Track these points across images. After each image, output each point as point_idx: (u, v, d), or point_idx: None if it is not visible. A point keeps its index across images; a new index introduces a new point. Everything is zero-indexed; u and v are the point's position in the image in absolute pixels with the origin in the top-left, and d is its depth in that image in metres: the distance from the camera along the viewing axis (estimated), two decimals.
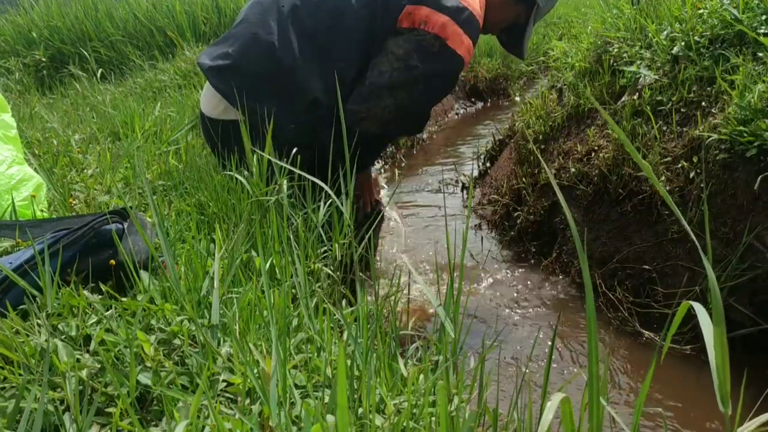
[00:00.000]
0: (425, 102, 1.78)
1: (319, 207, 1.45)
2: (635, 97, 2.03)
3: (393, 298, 1.26)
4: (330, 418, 0.79)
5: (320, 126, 1.70)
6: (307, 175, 1.31)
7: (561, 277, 2.23)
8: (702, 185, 1.73)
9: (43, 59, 5.04)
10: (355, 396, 0.90)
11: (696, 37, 1.93)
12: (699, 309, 0.50)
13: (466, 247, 0.86)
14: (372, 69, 1.69)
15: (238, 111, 1.66)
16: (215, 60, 1.74)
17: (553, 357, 0.70)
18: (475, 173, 3.30)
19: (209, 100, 1.79)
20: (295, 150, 1.53)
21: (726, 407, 0.48)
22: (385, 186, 2.22)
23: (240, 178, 1.49)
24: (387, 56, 1.67)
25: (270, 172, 1.49)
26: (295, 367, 1.00)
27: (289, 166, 1.27)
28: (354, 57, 1.70)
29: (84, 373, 0.85)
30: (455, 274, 1.05)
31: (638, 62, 2.08)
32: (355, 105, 1.69)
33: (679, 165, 1.81)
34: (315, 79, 1.68)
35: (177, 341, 0.97)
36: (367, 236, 1.38)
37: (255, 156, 1.50)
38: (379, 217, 1.92)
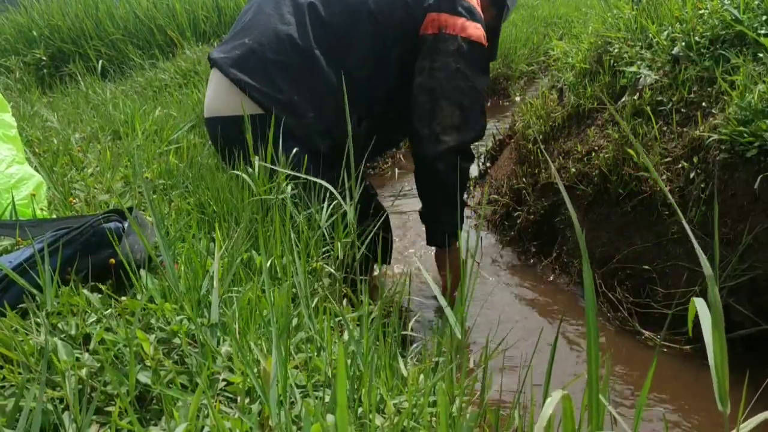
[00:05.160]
0: (477, 95, 1.83)
1: (323, 207, 1.45)
2: (635, 98, 2.03)
3: (395, 298, 1.26)
4: (330, 417, 0.79)
5: (339, 114, 1.68)
6: (311, 178, 1.32)
7: (561, 277, 2.23)
8: (702, 185, 1.73)
9: (44, 58, 5.04)
10: (356, 395, 0.90)
11: (696, 38, 1.93)
12: (700, 305, 0.50)
13: (461, 246, 0.86)
14: (415, 90, 1.80)
15: (253, 102, 1.65)
16: (231, 52, 1.73)
17: (554, 357, 0.70)
18: (475, 173, 3.30)
19: (221, 99, 1.75)
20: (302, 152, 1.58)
21: (724, 406, 0.48)
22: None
23: (244, 176, 1.48)
24: (424, 73, 1.77)
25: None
26: (295, 366, 1.00)
27: (287, 171, 1.27)
28: (365, 54, 1.76)
29: (83, 372, 0.85)
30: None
31: (639, 62, 2.08)
32: (420, 129, 1.80)
33: (680, 165, 1.81)
34: (331, 70, 1.72)
35: (176, 340, 0.97)
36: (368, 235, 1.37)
37: (265, 152, 1.50)
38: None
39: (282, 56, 1.69)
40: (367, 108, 1.78)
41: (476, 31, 1.77)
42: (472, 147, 1.89)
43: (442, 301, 0.88)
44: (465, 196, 1.96)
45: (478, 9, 1.82)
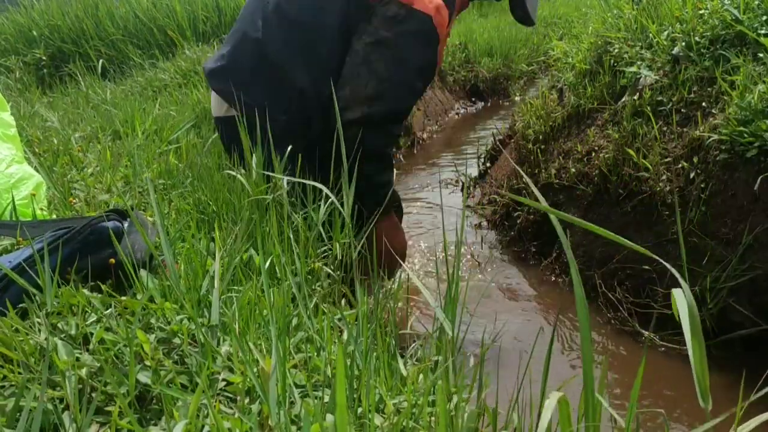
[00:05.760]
0: (404, 69, 1.68)
1: (319, 206, 1.45)
2: (636, 98, 2.03)
3: (393, 297, 1.26)
4: (329, 417, 0.79)
5: (312, 116, 1.72)
6: (302, 180, 1.32)
7: (561, 277, 2.23)
8: (702, 185, 1.73)
9: (44, 58, 5.04)
10: (355, 395, 0.90)
11: (696, 38, 1.93)
12: (678, 296, 0.50)
13: (462, 246, 0.86)
14: (348, 56, 1.69)
15: (235, 108, 1.70)
16: (215, 63, 1.81)
17: (553, 357, 0.70)
18: (475, 173, 3.30)
19: (214, 102, 1.87)
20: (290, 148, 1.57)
21: (706, 403, 0.48)
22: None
23: (239, 176, 1.49)
24: (359, 39, 1.67)
25: (269, 167, 1.52)
26: (294, 366, 1.00)
27: (275, 176, 1.28)
28: (336, 46, 1.71)
29: (83, 372, 0.85)
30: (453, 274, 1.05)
31: (639, 62, 2.08)
32: (338, 92, 1.64)
33: (680, 165, 1.81)
34: (300, 70, 1.71)
35: (176, 340, 0.97)
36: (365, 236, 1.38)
37: (254, 152, 1.52)
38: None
39: (253, 62, 1.74)
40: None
41: (426, 1, 1.62)
42: (389, 123, 1.68)
43: (432, 301, 0.88)
44: (382, 174, 1.73)
45: None
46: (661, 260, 0.52)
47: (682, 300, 0.50)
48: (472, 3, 1.98)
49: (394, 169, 1.79)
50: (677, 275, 0.48)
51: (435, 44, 1.67)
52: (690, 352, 0.48)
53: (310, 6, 1.72)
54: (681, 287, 0.46)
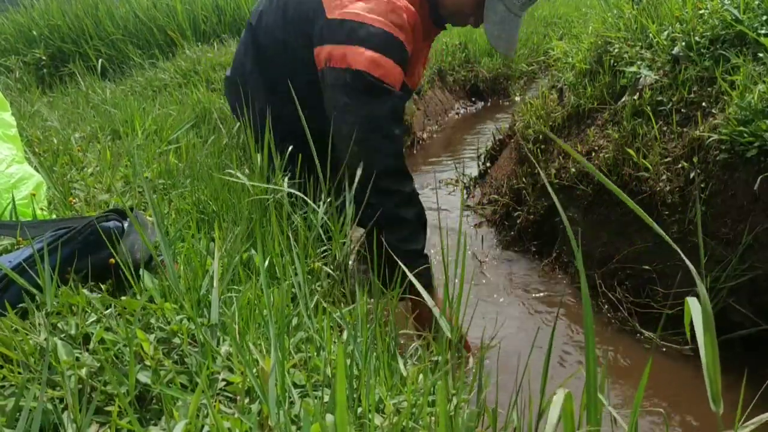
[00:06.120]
0: (373, 126, 1.61)
1: (318, 206, 1.45)
2: (635, 98, 2.03)
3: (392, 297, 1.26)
4: (329, 417, 0.79)
5: (275, 133, 1.68)
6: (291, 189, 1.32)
7: (561, 277, 2.23)
8: (702, 185, 1.73)
9: (44, 58, 5.04)
10: (355, 395, 0.90)
11: (696, 38, 1.93)
12: (693, 304, 0.50)
13: (465, 248, 0.86)
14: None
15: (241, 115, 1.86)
16: (228, 75, 2.03)
17: (552, 357, 0.70)
18: (475, 173, 3.30)
19: None
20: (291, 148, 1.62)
21: (717, 406, 0.48)
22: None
23: (240, 176, 1.49)
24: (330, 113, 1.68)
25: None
26: (294, 366, 1.00)
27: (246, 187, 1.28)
28: (288, 75, 1.74)
29: (83, 372, 0.85)
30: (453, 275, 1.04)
31: (639, 62, 2.08)
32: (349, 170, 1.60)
33: (680, 165, 1.81)
34: (261, 91, 1.86)
35: (176, 340, 0.97)
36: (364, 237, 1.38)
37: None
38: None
39: (241, 79, 1.91)
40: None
41: (358, 57, 1.57)
42: (393, 179, 1.62)
43: (430, 302, 0.88)
44: (405, 242, 1.63)
45: (376, 21, 1.58)
46: (685, 258, 0.52)
47: (696, 306, 0.50)
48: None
49: (424, 237, 1.69)
50: (695, 273, 0.48)
51: (385, 93, 1.61)
52: (703, 357, 0.48)
53: (271, 37, 1.83)
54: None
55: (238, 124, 2.34)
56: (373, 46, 1.57)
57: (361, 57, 1.57)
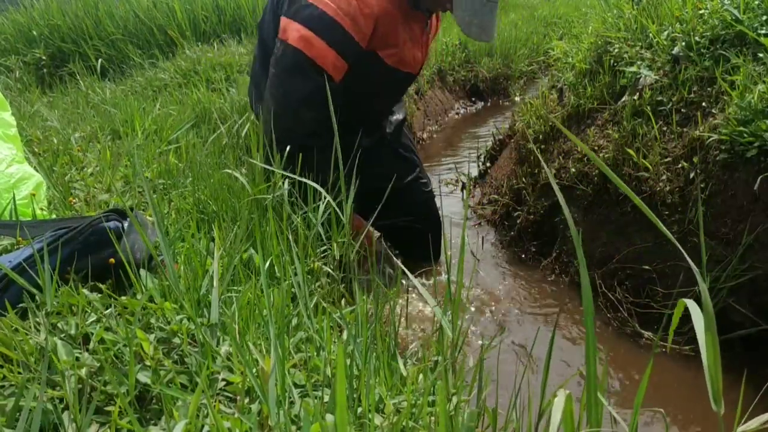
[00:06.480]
0: (286, 101, 1.72)
1: (318, 206, 1.45)
2: (635, 98, 2.03)
3: (392, 297, 1.26)
4: (329, 417, 0.79)
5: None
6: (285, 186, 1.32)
7: (561, 277, 2.23)
8: (702, 185, 1.73)
9: (44, 57, 5.03)
10: (355, 395, 0.90)
11: (696, 38, 1.93)
12: (693, 307, 0.50)
13: (465, 247, 0.86)
14: None
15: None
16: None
17: (552, 357, 0.70)
18: (475, 173, 3.30)
19: None
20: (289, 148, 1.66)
21: (718, 407, 0.48)
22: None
23: (239, 176, 1.49)
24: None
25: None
26: (294, 366, 1.00)
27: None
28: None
29: (83, 372, 0.85)
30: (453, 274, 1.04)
31: (639, 62, 2.08)
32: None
33: (680, 165, 1.81)
34: (262, 86, 1.89)
35: (176, 340, 0.97)
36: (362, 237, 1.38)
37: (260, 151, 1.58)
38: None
39: (252, 79, 2.02)
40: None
41: (294, 33, 1.65)
42: (280, 145, 1.70)
43: (431, 301, 0.87)
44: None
45: (323, 3, 1.64)
46: (688, 258, 0.52)
47: (695, 307, 0.50)
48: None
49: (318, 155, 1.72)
50: (696, 273, 0.48)
51: (312, 73, 1.66)
52: (704, 358, 0.48)
53: (271, 31, 1.88)
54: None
55: (239, 123, 2.36)
56: (311, 25, 1.65)
57: (297, 33, 1.65)
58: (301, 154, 1.61)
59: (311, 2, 1.66)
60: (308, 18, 1.65)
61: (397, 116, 2.29)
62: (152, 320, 1.01)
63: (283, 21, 1.69)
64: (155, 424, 0.83)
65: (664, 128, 1.92)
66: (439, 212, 2.37)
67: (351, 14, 1.66)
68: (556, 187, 0.49)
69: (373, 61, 1.82)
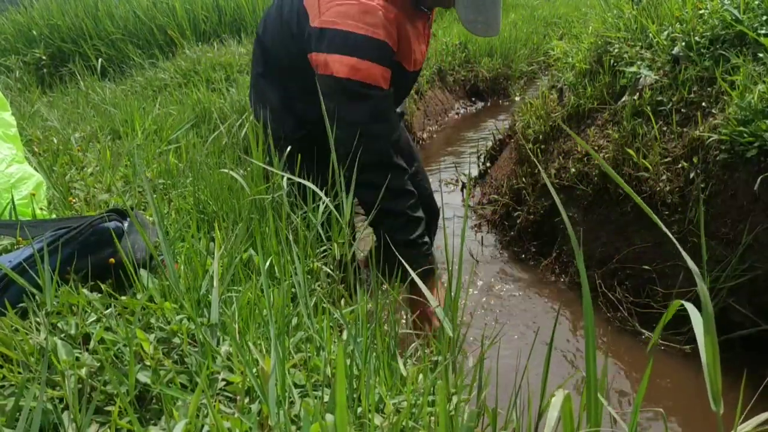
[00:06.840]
0: (357, 128, 1.69)
1: (317, 206, 1.45)
2: (635, 98, 2.03)
3: (392, 297, 1.26)
4: (329, 417, 0.79)
5: (284, 123, 1.86)
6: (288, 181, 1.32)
7: (561, 276, 2.23)
8: (702, 185, 1.73)
9: (44, 57, 5.04)
10: (355, 395, 0.90)
11: (696, 38, 1.93)
12: (691, 309, 0.50)
13: (464, 246, 0.86)
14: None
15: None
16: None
17: (552, 357, 0.70)
18: (475, 173, 3.30)
19: None
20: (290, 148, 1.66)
21: (718, 407, 0.48)
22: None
23: (237, 177, 1.49)
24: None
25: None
26: (294, 366, 1.00)
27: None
28: (290, 75, 1.86)
29: (83, 372, 0.85)
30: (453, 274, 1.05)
31: (639, 62, 2.08)
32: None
33: (680, 165, 1.81)
34: (271, 90, 1.90)
35: (176, 340, 0.97)
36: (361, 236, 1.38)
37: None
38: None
39: (254, 87, 2.00)
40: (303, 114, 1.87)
41: (337, 65, 1.64)
42: (375, 173, 1.67)
43: (432, 301, 0.88)
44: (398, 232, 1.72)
45: (351, 26, 1.64)
46: (688, 258, 0.52)
47: (693, 310, 0.50)
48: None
49: (417, 225, 1.75)
50: (696, 273, 0.48)
51: (367, 95, 1.68)
52: (703, 357, 0.48)
53: (273, 41, 1.88)
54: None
55: (238, 123, 2.36)
56: (351, 51, 1.64)
57: (341, 65, 1.64)
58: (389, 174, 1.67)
59: (338, 28, 1.64)
60: (343, 46, 1.64)
61: (397, 111, 2.30)
62: (152, 320, 1.01)
63: (320, 57, 1.67)
64: (155, 424, 0.83)
65: (664, 128, 1.92)
66: (439, 209, 2.37)
67: (380, 24, 1.66)
68: (552, 190, 0.49)
69: (393, 64, 1.83)
